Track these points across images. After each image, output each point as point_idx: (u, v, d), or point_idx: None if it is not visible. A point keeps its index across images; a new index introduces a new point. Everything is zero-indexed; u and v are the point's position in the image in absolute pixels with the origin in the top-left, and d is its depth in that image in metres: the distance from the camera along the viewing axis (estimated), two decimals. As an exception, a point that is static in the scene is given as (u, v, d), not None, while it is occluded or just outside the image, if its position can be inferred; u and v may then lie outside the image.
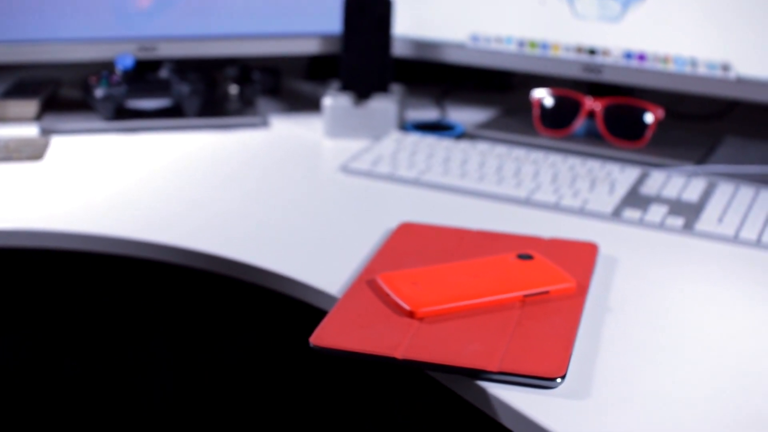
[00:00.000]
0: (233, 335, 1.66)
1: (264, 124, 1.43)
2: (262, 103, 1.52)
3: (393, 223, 1.06)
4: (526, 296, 0.87)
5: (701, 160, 1.27)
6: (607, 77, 1.31)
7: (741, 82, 1.21)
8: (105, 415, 1.57)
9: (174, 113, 1.41)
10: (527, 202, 1.13)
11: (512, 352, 0.78)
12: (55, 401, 1.56)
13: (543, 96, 1.35)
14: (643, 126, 1.28)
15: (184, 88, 1.39)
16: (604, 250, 1.00)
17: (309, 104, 1.52)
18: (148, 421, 1.59)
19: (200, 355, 1.62)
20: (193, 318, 1.60)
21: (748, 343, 0.83)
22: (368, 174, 1.21)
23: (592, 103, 1.31)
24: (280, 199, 1.14)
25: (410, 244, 0.99)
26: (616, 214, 1.09)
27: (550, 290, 0.88)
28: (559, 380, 0.75)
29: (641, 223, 1.07)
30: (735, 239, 1.03)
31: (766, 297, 0.92)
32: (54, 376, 1.55)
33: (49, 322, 1.53)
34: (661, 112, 1.28)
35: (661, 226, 1.06)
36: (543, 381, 0.75)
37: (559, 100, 1.34)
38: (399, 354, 0.78)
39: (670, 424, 0.71)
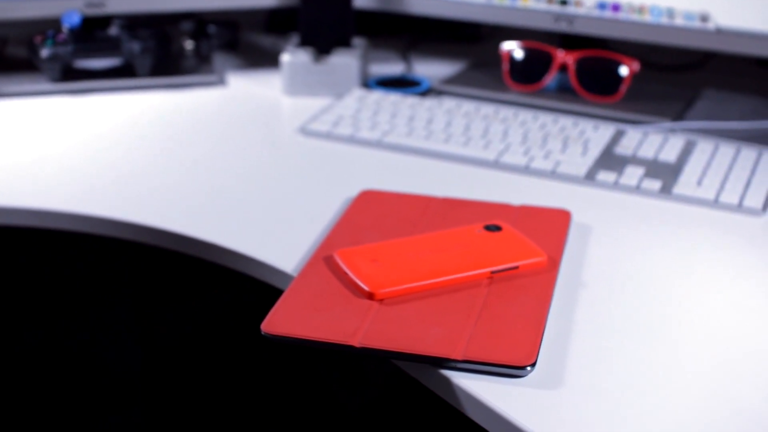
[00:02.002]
0: (196, 303, 1.61)
1: (220, 81, 1.36)
2: (219, 59, 1.45)
3: (354, 189, 1.00)
4: (493, 272, 0.81)
5: (679, 115, 1.21)
6: (580, 28, 1.24)
7: (720, 33, 1.15)
8: (65, 385, 1.53)
9: (125, 73, 1.33)
10: (496, 165, 1.07)
11: (478, 338, 0.72)
12: (17, 373, 1.51)
13: (512, 48, 1.29)
14: (618, 79, 1.22)
15: (134, 46, 1.31)
16: (577, 217, 0.95)
17: (268, 59, 1.45)
18: (109, 391, 1.55)
19: (163, 327, 1.58)
20: (155, 289, 1.55)
21: (731, 319, 0.78)
22: (328, 136, 1.14)
23: (564, 56, 1.25)
24: (234, 166, 1.07)
25: (371, 214, 0.93)
26: (590, 177, 1.03)
27: (519, 265, 0.82)
28: (528, 368, 0.70)
29: (616, 186, 1.01)
30: (715, 203, 0.97)
31: (750, 266, 0.86)
32: (16, 348, 1.50)
33: (6, 295, 1.47)
34: (636, 65, 1.22)
35: (637, 189, 1.00)
36: (511, 369, 0.70)
37: (529, 52, 1.28)
38: (357, 342, 0.72)
39: (649, 415, 0.66)
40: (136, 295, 1.55)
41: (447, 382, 0.71)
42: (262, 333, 0.74)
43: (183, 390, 1.58)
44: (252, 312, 1.01)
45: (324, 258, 0.84)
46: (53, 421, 1.52)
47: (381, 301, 0.77)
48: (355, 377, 1.56)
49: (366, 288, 0.78)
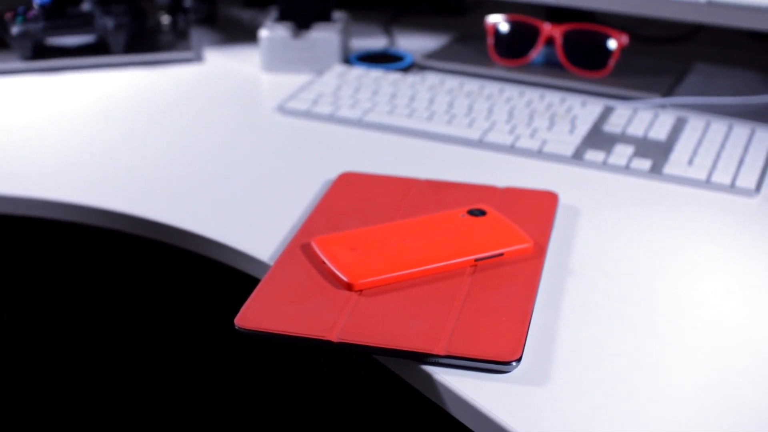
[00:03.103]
0: (179, 283, 1.58)
1: (197, 58, 1.32)
2: (197, 34, 1.41)
3: (334, 171, 0.97)
4: (477, 260, 0.78)
5: (669, 90, 1.17)
6: (567, 1, 1.20)
7: (712, 5, 1.11)
8: (47, 368, 1.50)
9: (98, 50, 1.29)
10: (480, 144, 1.03)
11: (461, 332, 0.69)
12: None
13: (498, 22, 1.25)
14: (606, 53, 1.19)
15: (108, 22, 1.27)
16: (564, 199, 0.92)
17: (247, 34, 1.41)
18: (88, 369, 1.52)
19: (145, 307, 1.55)
20: (136, 269, 1.52)
21: (726, 307, 0.75)
22: (307, 115, 1.11)
23: (550, 29, 1.21)
24: (209, 147, 1.03)
25: (351, 197, 0.90)
26: (578, 156, 0.99)
27: (504, 252, 0.79)
28: (514, 364, 0.66)
29: (605, 165, 0.98)
30: (707, 183, 0.94)
31: (744, 250, 0.83)
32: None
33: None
34: (625, 39, 1.18)
35: (626, 169, 0.97)
36: (496, 365, 0.67)
37: (515, 26, 1.24)
38: (334, 336, 0.69)
39: (641, 411, 0.63)
40: (116, 277, 1.52)
41: (429, 378, 0.68)
42: (236, 327, 0.71)
43: (168, 370, 1.56)
44: (234, 291, 0.98)
45: (301, 246, 0.81)
46: (36, 404, 1.49)
47: (360, 292, 0.74)
48: (341, 353, 1.53)
49: (344, 278, 0.75)
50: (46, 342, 1.50)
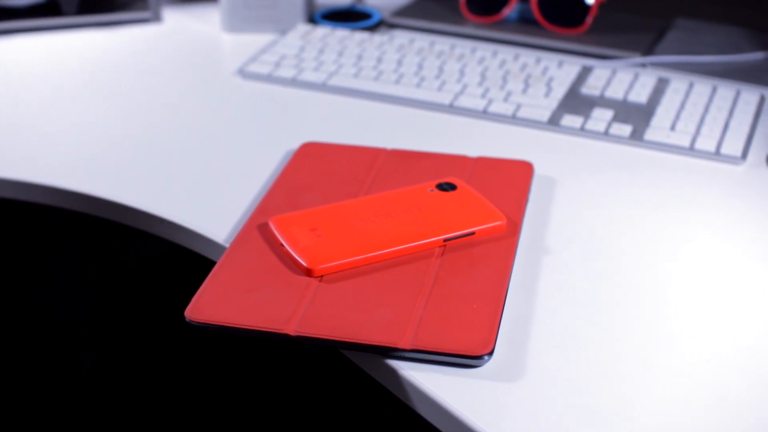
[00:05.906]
0: (147, 245, 1.54)
1: (155, 18, 1.25)
2: (155, -9, 1.34)
3: (296, 140, 0.91)
4: (446, 240, 0.73)
5: (649, 49, 1.12)
6: (542, -46, 1.14)
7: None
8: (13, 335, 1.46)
9: (50, 11, 1.22)
10: (451, 109, 0.97)
11: (428, 323, 0.64)
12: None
13: (470, -24, 1.19)
14: (584, 9, 1.13)
15: (59, -19, 1.20)
16: (540, 168, 0.86)
17: (208, -9, 1.34)
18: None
19: (111, 271, 1.50)
20: (100, 233, 1.48)
21: (711, 286, 0.70)
22: (269, 79, 1.05)
23: (524, -16, 1.15)
24: (163, 115, 0.97)
25: (314, 170, 0.84)
26: (554, 121, 0.94)
27: (475, 231, 0.74)
28: (485, 358, 0.62)
29: (583, 131, 0.92)
30: (690, 150, 0.89)
31: (730, 222, 0.78)
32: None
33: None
34: (603, -7, 1.12)
35: (605, 135, 0.92)
36: (465, 359, 0.62)
37: (487, -20, 1.18)
38: (292, 329, 0.64)
39: (624, 409, 0.58)
40: (81, 240, 1.47)
41: (394, 373, 0.63)
42: (187, 320, 0.65)
43: (136, 340, 1.52)
44: (199, 260, 0.93)
45: (258, 226, 0.75)
46: (4, 373, 1.45)
47: (320, 278, 0.69)
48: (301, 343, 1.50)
49: (304, 263, 0.69)
50: (13, 312, 1.46)
